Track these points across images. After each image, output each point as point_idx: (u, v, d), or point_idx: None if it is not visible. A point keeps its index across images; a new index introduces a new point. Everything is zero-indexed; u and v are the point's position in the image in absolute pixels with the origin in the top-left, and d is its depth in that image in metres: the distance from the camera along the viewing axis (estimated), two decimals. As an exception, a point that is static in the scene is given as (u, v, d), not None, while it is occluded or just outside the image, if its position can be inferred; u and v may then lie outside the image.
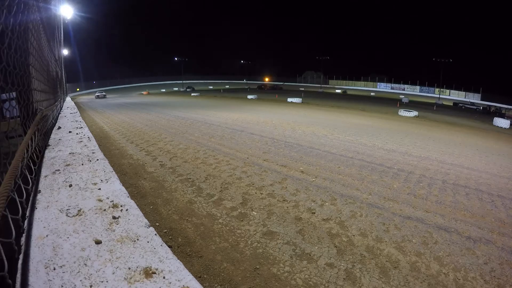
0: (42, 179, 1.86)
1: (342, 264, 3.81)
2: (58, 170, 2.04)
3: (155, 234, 1.27)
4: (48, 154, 2.46)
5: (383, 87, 72.71)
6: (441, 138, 14.94)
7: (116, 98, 41.23)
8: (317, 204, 5.60)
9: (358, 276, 3.60)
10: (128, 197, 1.63)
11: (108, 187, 1.75)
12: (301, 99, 34.89)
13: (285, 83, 75.13)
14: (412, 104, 38.44)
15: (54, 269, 1.02)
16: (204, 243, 4.16)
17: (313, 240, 4.36)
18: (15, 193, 1.27)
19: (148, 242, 1.21)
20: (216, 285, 3.37)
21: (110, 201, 1.56)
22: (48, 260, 1.06)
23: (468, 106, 40.47)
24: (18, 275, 0.98)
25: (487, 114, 33.85)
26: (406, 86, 69.63)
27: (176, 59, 72.89)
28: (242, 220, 4.85)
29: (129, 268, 1.04)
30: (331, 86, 77.20)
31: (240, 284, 3.39)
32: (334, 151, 9.91)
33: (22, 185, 1.42)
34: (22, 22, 1.97)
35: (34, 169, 1.91)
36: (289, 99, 34.48)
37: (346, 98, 43.31)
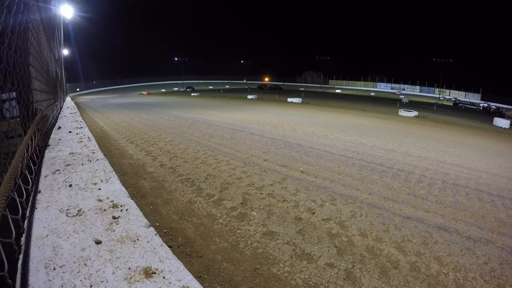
0: (42, 179, 1.86)
1: (342, 264, 3.81)
2: (58, 170, 2.04)
3: (155, 234, 1.27)
4: (48, 154, 2.46)
5: (383, 87, 72.72)
6: (441, 138, 14.95)
7: (116, 98, 41.21)
8: (317, 204, 5.60)
9: (358, 276, 3.60)
10: (128, 197, 1.63)
11: (108, 187, 1.75)
12: (301, 99, 34.88)
13: (285, 83, 75.09)
14: (412, 104, 38.44)
15: (54, 269, 1.02)
16: (204, 243, 4.15)
17: (313, 240, 4.36)
18: (15, 193, 1.27)
19: (148, 242, 1.21)
20: (216, 285, 3.37)
21: (110, 201, 1.56)
22: (48, 260, 1.06)
23: (468, 106, 40.47)
24: (18, 275, 0.98)
25: (487, 114, 33.86)
26: (406, 86, 69.65)
27: (176, 59, 72.95)
28: (242, 220, 4.85)
29: (129, 268, 1.04)
30: (331, 86, 77.20)
31: (240, 284, 3.39)
32: (334, 151, 9.91)
33: (22, 185, 1.42)
34: (22, 22, 1.97)
35: (34, 169, 1.91)
36: (289, 99, 34.47)
37: (346, 98, 43.30)
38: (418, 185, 6.98)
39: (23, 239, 1.20)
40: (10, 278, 0.85)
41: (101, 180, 1.85)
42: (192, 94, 46.69)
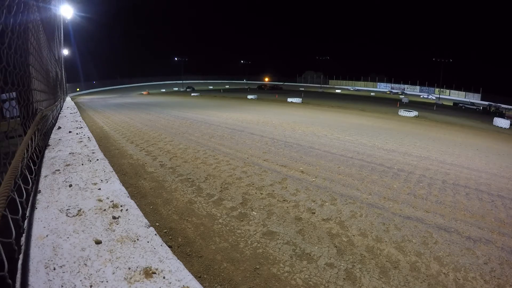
0: (42, 179, 1.86)
1: (342, 264, 3.81)
2: (58, 170, 2.04)
3: (155, 234, 1.27)
4: (48, 154, 2.46)
5: (383, 87, 72.81)
6: (441, 138, 14.95)
7: (116, 98, 41.21)
8: (317, 204, 5.60)
9: (358, 276, 3.60)
10: (128, 197, 1.63)
11: (108, 187, 1.75)
12: (301, 99, 34.88)
13: (285, 83, 75.12)
14: (412, 104, 38.44)
15: (54, 269, 1.02)
16: (204, 243, 4.16)
17: (313, 240, 4.36)
18: (15, 193, 1.26)
19: (148, 242, 1.21)
20: (216, 285, 3.37)
21: (110, 201, 1.56)
22: (48, 260, 1.06)
23: (468, 106, 40.55)
24: (18, 275, 0.98)
25: (487, 114, 33.86)
26: (406, 86, 69.72)
27: (176, 59, 72.91)
28: (242, 220, 4.85)
29: (129, 268, 1.04)
30: (331, 86, 77.26)
31: (240, 284, 3.39)
32: (334, 151, 9.91)
33: (22, 185, 1.41)
34: (22, 22, 1.97)
35: (34, 169, 1.91)
36: (289, 99, 34.47)
37: (346, 98, 43.30)
38: (418, 185, 6.98)
39: (23, 239, 1.20)
40: (10, 278, 0.85)
41: (101, 180, 1.85)
42: (192, 94, 46.67)
